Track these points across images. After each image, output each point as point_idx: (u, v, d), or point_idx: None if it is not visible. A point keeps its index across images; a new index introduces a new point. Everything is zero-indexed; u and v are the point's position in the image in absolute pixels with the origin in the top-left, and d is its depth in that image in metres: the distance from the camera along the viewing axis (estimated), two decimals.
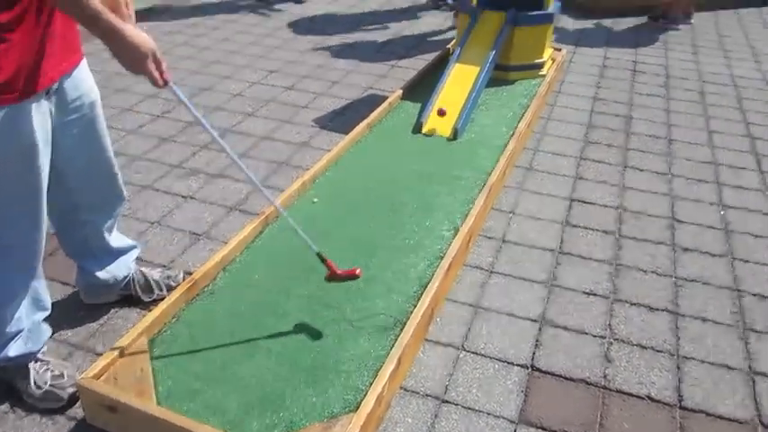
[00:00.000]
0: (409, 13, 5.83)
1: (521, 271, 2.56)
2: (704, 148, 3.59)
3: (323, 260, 2.03)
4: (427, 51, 4.87)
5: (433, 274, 2.17)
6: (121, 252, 2.20)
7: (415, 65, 4.54)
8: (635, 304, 2.41)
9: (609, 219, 2.92)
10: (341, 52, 4.83)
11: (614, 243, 2.76)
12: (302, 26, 5.38)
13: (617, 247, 2.74)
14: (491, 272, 2.55)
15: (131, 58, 1.53)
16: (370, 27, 5.44)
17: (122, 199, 2.12)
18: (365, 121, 3.15)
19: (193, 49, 4.83)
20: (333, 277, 2.08)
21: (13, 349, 1.86)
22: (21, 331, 1.86)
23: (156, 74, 1.59)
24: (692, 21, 5.79)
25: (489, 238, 2.75)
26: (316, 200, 2.58)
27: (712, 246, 2.76)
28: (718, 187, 3.21)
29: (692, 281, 2.55)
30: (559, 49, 4.20)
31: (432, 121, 3.18)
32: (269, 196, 1.88)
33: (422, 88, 3.60)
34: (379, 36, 5.22)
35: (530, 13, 3.67)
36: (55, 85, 1.66)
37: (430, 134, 3.13)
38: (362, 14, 5.78)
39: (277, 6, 5.89)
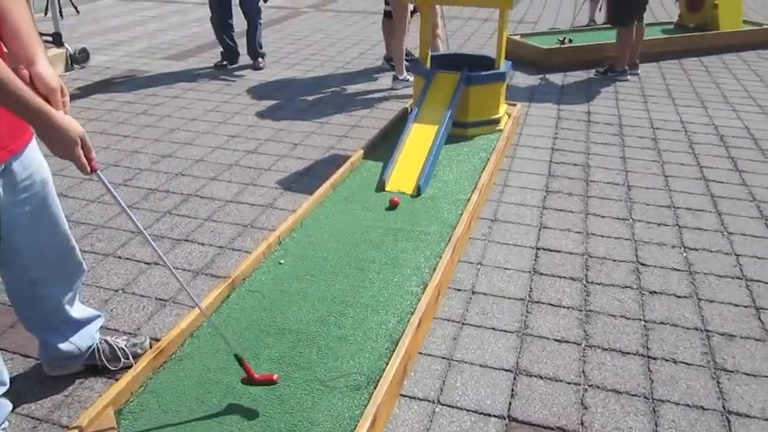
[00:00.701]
0: (365, 75, 5.95)
1: (492, 321, 2.56)
2: (662, 192, 3.69)
3: (240, 362, 1.85)
4: (386, 110, 4.97)
5: (403, 331, 2.15)
6: (84, 322, 2.15)
7: (376, 124, 4.61)
8: (607, 349, 2.42)
9: (575, 265, 2.95)
10: (301, 114, 4.88)
11: (582, 289, 2.78)
12: (261, 91, 5.45)
13: (585, 293, 2.76)
14: (462, 323, 2.54)
15: (59, 142, 1.49)
16: (328, 90, 5.54)
17: (81, 271, 2.08)
18: (329, 181, 3.16)
19: (153, 117, 4.84)
20: (249, 381, 1.89)
21: None
22: None
23: (84, 160, 1.53)
24: (639, 72, 6.04)
25: (459, 290, 2.75)
26: (282, 261, 2.56)
27: (678, 287, 2.80)
28: (679, 230, 3.29)
29: (661, 323, 2.57)
30: (514, 104, 4.32)
31: (394, 179, 3.21)
32: (194, 297, 1.82)
33: (383, 147, 3.65)
34: (338, 98, 5.31)
35: (482, 73, 3.77)
36: (1, 167, 1.65)
37: (393, 192, 3.15)
38: (320, 78, 5.88)
39: (235, 73, 5.96)
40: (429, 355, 2.36)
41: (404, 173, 3.25)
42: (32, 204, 1.79)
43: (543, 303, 2.68)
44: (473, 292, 2.74)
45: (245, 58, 6.25)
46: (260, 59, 6.18)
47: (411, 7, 5.32)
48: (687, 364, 2.35)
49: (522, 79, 5.89)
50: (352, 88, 5.59)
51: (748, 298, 2.73)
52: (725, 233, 3.26)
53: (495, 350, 2.39)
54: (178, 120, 4.78)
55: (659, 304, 2.69)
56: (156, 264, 2.91)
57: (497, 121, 3.97)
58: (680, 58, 6.66)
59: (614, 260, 3.01)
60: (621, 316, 2.61)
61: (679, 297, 2.74)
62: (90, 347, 2.16)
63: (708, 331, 2.53)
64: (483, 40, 7.47)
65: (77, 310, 2.12)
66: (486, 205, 3.47)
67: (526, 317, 2.59)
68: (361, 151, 3.54)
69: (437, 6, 5.05)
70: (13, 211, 1.73)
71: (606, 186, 3.75)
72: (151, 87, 5.57)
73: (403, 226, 2.84)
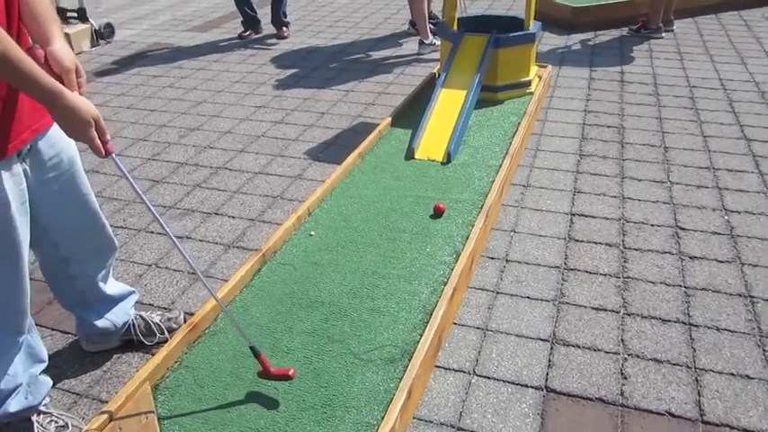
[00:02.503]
0: (391, 41, 5.84)
1: (527, 290, 2.51)
2: (701, 154, 3.56)
3: (256, 355, 1.79)
4: (414, 76, 4.87)
5: (437, 302, 2.11)
6: (119, 299, 2.16)
7: (403, 90, 4.53)
8: (646, 317, 2.36)
9: (612, 231, 2.88)
10: (327, 83, 4.82)
11: (619, 256, 2.71)
12: (286, 61, 5.38)
13: (622, 259, 2.69)
14: (497, 293, 2.50)
15: (71, 122, 1.46)
16: (353, 56, 5.45)
17: (113, 248, 2.07)
18: (356, 151, 3.11)
19: (180, 90, 4.82)
20: (265, 375, 1.82)
21: (14, 404, 1.82)
22: (19, 386, 1.82)
23: (98, 142, 1.49)
24: (674, 28, 5.83)
25: (492, 258, 2.70)
26: (313, 233, 2.53)
27: (719, 252, 2.72)
28: (719, 192, 3.18)
29: (703, 289, 2.49)
30: (545, 66, 4.19)
31: (424, 147, 3.15)
32: (210, 288, 1.79)
33: (411, 114, 3.58)
34: (363, 65, 5.23)
35: (511, 35, 3.66)
36: (27, 147, 1.64)
37: (422, 159, 3.09)
38: (345, 45, 5.79)
39: (260, 43, 5.90)
40: (464, 325, 2.32)
41: (433, 140, 3.18)
42: (60, 183, 1.78)
43: (579, 270, 2.62)
44: (507, 261, 2.69)
45: (269, 28, 6.17)
46: (284, 28, 6.10)
47: None
48: (731, 331, 2.28)
49: (552, 40, 5.72)
50: (377, 55, 5.49)
51: None
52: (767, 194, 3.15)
53: (530, 319, 2.35)
54: (204, 92, 4.75)
55: (700, 270, 2.61)
56: (188, 238, 2.91)
57: (528, 84, 3.86)
58: (717, 12, 6.41)
59: (652, 225, 2.92)
60: (661, 282, 2.54)
61: (721, 262, 2.66)
62: (125, 323, 2.18)
63: (752, 297, 2.45)
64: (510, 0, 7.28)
65: (111, 287, 2.13)
66: (519, 170, 3.40)
67: (562, 284, 2.54)
68: (389, 119, 3.48)
69: None
70: (41, 190, 1.72)
71: (642, 148, 3.64)
72: (177, 60, 5.54)
73: (434, 194, 2.79)
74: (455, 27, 4.01)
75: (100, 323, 2.11)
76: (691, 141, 3.71)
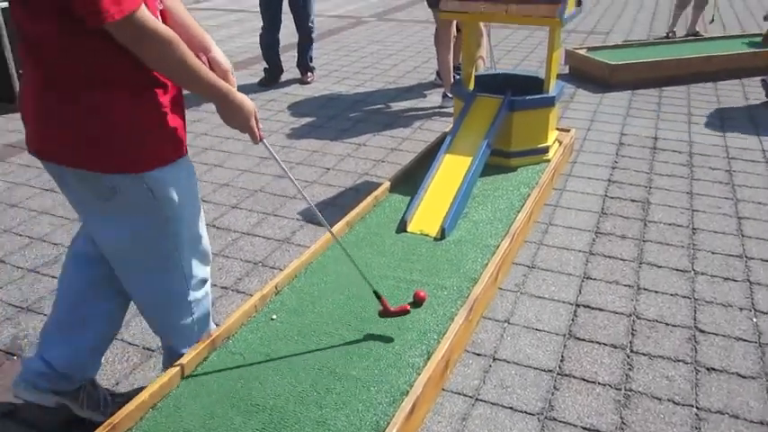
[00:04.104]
0: (415, 91, 5.63)
1: (511, 398, 2.19)
2: (733, 239, 3.20)
3: (378, 297, 2.19)
4: (430, 131, 4.64)
5: (393, 415, 1.82)
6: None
7: (416, 147, 4.29)
8: None
9: (619, 329, 2.54)
10: (340, 135, 4.61)
11: (624, 361, 2.37)
12: (303, 108, 5.21)
13: (627, 365, 2.35)
14: (476, 399, 2.19)
15: (239, 116, 1.71)
16: (374, 106, 5.25)
17: None
18: (344, 219, 2.86)
19: (189, 135, 4.67)
20: (385, 314, 2.22)
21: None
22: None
23: (257, 130, 1.78)
24: None
25: (478, 354, 2.40)
26: (275, 317, 2.28)
27: (742, 365, 2.36)
28: (750, 287, 2.81)
29: (718, 412, 2.14)
30: (568, 130, 3.90)
31: (417, 220, 2.88)
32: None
33: (415, 177, 3.33)
34: (382, 116, 5.02)
35: (527, 98, 3.39)
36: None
37: (415, 233, 2.82)
38: (367, 93, 5.60)
39: (282, 88, 5.76)
40: None
41: (429, 212, 2.91)
42: None
43: (575, 378, 2.29)
44: (494, 359, 2.38)
45: (294, 72, 6.05)
46: (309, 74, 5.96)
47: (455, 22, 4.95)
48: None
49: (586, 98, 5.43)
50: (399, 105, 5.28)
51: None
52: None
53: None
54: (212, 138, 4.60)
55: (717, 386, 2.25)
56: None
57: (545, 151, 3.57)
58: (763, 74, 6.01)
59: (667, 324, 2.58)
60: (669, 400, 2.20)
61: (743, 377, 2.30)
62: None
63: None
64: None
65: None
66: (525, 248, 3.09)
67: (553, 394, 2.22)
68: (388, 183, 3.22)
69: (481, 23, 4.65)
70: None
71: (667, 229, 3.30)
72: (194, 100, 5.43)
73: (419, 277, 2.51)
74: (471, 85, 3.76)
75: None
76: (723, 223, 3.35)
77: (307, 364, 2.05)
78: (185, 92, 1.72)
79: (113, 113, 1.58)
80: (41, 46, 1.52)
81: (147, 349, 2.44)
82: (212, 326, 2.21)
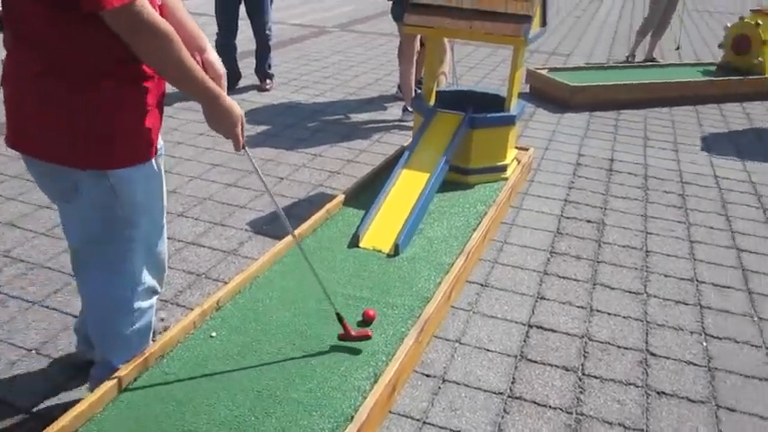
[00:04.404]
0: (376, 104, 5.57)
1: (460, 422, 2.11)
2: (685, 262, 3.20)
3: (340, 320, 2.09)
4: (389, 144, 4.57)
5: None
6: None
7: (374, 160, 4.21)
8: None
9: (571, 351, 2.50)
10: (296, 144, 4.51)
11: (576, 384, 2.32)
12: (261, 116, 5.10)
13: (579, 389, 2.30)
14: (423, 423, 2.11)
15: (225, 120, 1.69)
16: (333, 117, 5.16)
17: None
18: (296, 231, 2.76)
19: None
20: (345, 338, 2.11)
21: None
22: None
23: (241, 138, 1.75)
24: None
25: (427, 375, 2.32)
26: (214, 334, 2.16)
27: (692, 389, 2.33)
28: (701, 311, 2.80)
29: None
30: (526, 149, 3.88)
31: (371, 235, 2.80)
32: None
33: (370, 190, 3.25)
34: (340, 127, 4.93)
35: (488, 115, 3.35)
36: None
37: (367, 249, 2.74)
38: (327, 104, 5.52)
39: (239, 95, 5.64)
40: None
41: (383, 227, 2.84)
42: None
43: (526, 401, 2.23)
44: (444, 380, 2.30)
45: (252, 78, 5.93)
46: (268, 81, 5.85)
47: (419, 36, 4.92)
48: None
49: (545, 117, 5.44)
50: (358, 117, 5.21)
51: None
52: (755, 319, 2.77)
53: None
54: (165, 143, 4.43)
55: (668, 411, 2.22)
56: None
57: (503, 169, 3.54)
58: (720, 102, 6.13)
59: (619, 346, 2.55)
60: (619, 424, 2.15)
61: (692, 402, 2.27)
62: None
63: None
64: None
65: None
66: (479, 265, 3.04)
67: (503, 418, 2.15)
68: (342, 197, 3.13)
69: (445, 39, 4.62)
70: None
71: (621, 250, 3.28)
72: None
73: (369, 295, 2.43)
74: (431, 100, 3.70)
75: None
76: (675, 246, 3.35)
77: (245, 387, 1.94)
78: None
79: (91, 107, 1.55)
80: (28, 27, 1.48)
81: (74, 367, 2.29)
82: (151, 343, 2.09)
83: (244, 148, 1.80)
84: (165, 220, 1.94)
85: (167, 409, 1.84)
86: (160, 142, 1.81)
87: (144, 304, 1.91)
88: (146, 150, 1.69)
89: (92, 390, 1.96)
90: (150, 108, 1.65)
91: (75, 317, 2.54)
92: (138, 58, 1.51)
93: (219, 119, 1.68)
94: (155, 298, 1.97)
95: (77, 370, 2.23)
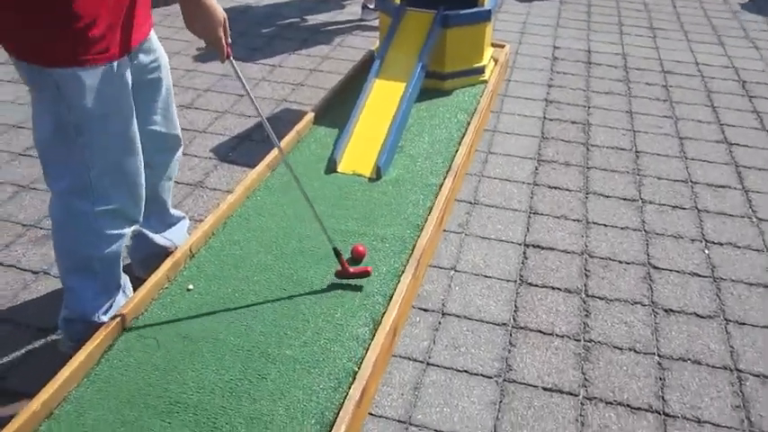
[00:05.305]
0: (332, 2, 5.14)
1: (465, 360, 1.99)
2: (676, 162, 3.06)
3: (337, 255, 1.91)
4: (353, 48, 4.23)
5: (340, 403, 1.58)
6: (176, 219, 2.23)
7: (338, 68, 3.90)
8: (611, 403, 1.87)
9: (572, 270, 2.37)
10: (252, 55, 4.14)
11: (580, 307, 2.21)
12: None
13: (584, 312, 2.19)
14: (427, 364, 1.98)
15: (207, 20, 1.56)
16: (288, 20, 4.75)
17: (179, 143, 2.06)
18: (265, 160, 2.50)
19: None
20: (343, 276, 1.94)
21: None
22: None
23: (224, 43, 1.62)
24: None
25: (425, 310, 2.17)
26: (191, 286, 1.95)
27: (699, 303, 2.24)
28: (698, 216, 2.69)
29: (680, 359, 2.02)
30: (502, 46, 3.59)
31: (348, 158, 2.56)
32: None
33: (341, 104, 2.96)
34: (298, 32, 4.54)
35: (462, 12, 3.04)
36: (136, 49, 1.69)
37: (347, 173, 2.51)
38: (281, 5, 5.07)
39: None
40: (381, 417, 1.80)
41: (361, 147, 2.59)
42: (153, 85, 1.83)
43: (531, 330, 2.11)
44: (443, 314, 2.16)
45: None
46: None
47: None
48: (715, 425, 1.81)
49: (513, 7, 5.11)
50: (315, 19, 4.80)
51: None
52: (753, 220, 2.67)
53: (467, 408, 1.83)
54: None
55: (677, 329, 2.13)
56: (45, 273, 2.29)
57: (481, 71, 3.27)
58: None
59: (620, 261, 2.43)
60: (630, 349, 2.05)
61: (701, 317, 2.18)
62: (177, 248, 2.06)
63: (739, 371, 1.98)
64: None
65: (169, 205, 2.17)
66: (466, 180, 2.85)
67: (509, 351, 2.03)
68: (311, 115, 2.85)
69: None
70: (137, 92, 1.74)
71: (610, 153, 3.12)
72: None
73: (355, 227, 2.22)
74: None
75: (161, 241, 2.14)
76: (665, 144, 3.20)
77: (234, 346, 1.75)
78: None
79: None
80: None
81: (42, 330, 2.07)
82: (120, 298, 1.89)
83: (229, 57, 1.66)
84: (137, 139, 1.76)
85: (150, 380, 1.65)
86: (155, 53, 1.78)
87: (110, 230, 1.78)
88: (92, 51, 1.53)
89: (64, 342, 1.91)
90: (92, 2, 1.49)
91: (35, 272, 2.29)
92: None
93: (201, 18, 1.56)
94: (128, 228, 1.84)
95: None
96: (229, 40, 1.64)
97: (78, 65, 1.53)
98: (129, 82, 1.68)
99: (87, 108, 1.59)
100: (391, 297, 1.91)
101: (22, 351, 2.00)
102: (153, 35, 1.81)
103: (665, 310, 2.20)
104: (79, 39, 1.51)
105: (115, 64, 1.60)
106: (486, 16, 3.16)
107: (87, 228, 1.75)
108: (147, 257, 2.15)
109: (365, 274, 1.93)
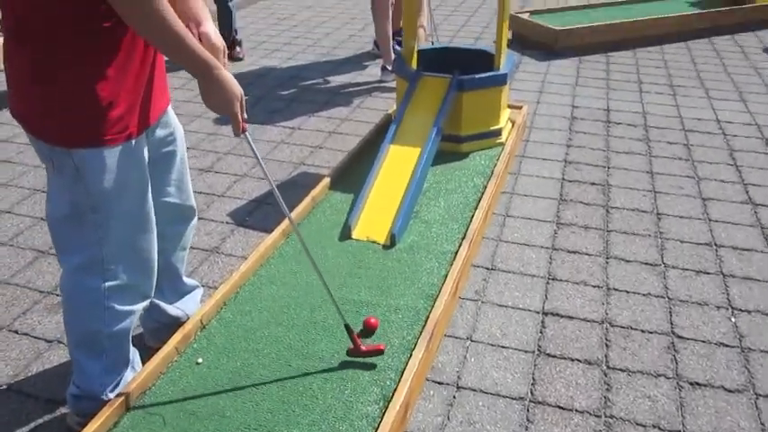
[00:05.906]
0: (352, 63, 5.23)
1: None
2: (700, 224, 2.99)
3: (349, 332, 1.86)
4: (372, 110, 4.27)
5: None
6: (189, 289, 2.21)
7: (357, 130, 3.93)
8: None
9: (592, 340, 2.29)
10: (271, 117, 4.20)
11: (601, 380, 2.13)
12: None
13: (605, 386, 2.10)
14: None
15: (222, 96, 1.55)
16: (308, 82, 4.83)
17: (193, 214, 2.07)
18: (280, 227, 2.50)
19: None
20: (355, 354, 1.88)
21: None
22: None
23: (240, 118, 1.60)
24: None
25: (439, 383, 2.11)
26: (200, 360, 1.92)
27: (726, 376, 2.14)
28: (724, 281, 2.61)
29: None
30: (519, 107, 3.60)
31: (363, 224, 2.54)
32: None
33: (357, 171, 2.97)
34: (318, 94, 4.61)
35: (477, 76, 3.06)
36: (154, 125, 1.72)
37: (361, 240, 2.49)
38: (300, 68, 5.16)
39: None
40: None
41: (375, 214, 2.58)
42: (168, 159, 1.84)
43: (549, 405, 2.03)
44: (458, 387, 2.09)
45: None
46: (237, 48, 5.44)
47: None
48: None
49: (531, 66, 5.14)
50: (335, 80, 4.88)
51: None
52: None
53: None
54: None
55: (704, 405, 2.03)
56: (58, 342, 2.28)
57: (498, 133, 3.27)
58: (710, 36, 5.86)
59: (642, 330, 2.35)
60: (654, 426, 1.96)
61: (729, 392, 2.08)
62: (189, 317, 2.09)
63: None
64: (489, 16, 6.69)
65: (182, 274, 2.16)
66: (483, 245, 2.81)
67: (526, 429, 1.95)
68: (327, 180, 2.86)
69: None
70: (154, 165, 1.76)
71: (631, 215, 3.06)
72: None
73: (368, 297, 2.19)
74: (414, 61, 3.40)
75: (173, 311, 2.12)
76: (687, 206, 3.14)
77: (240, 424, 1.71)
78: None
79: (47, 75, 1.46)
80: None
81: (52, 401, 2.05)
82: (128, 374, 1.87)
83: (244, 132, 1.63)
84: (152, 215, 1.77)
85: None
86: (170, 126, 1.81)
87: (121, 306, 1.77)
88: (111, 131, 1.55)
89: (72, 417, 1.90)
90: (113, 82, 1.51)
91: (49, 341, 2.29)
92: (123, 21, 1.42)
93: (216, 94, 1.54)
94: (139, 304, 1.84)
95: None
96: (245, 115, 1.63)
97: (98, 145, 1.55)
98: (147, 158, 1.70)
99: (105, 187, 1.60)
100: (403, 372, 1.86)
101: (31, 425, 1.97)
102: (169, 109, 1.83)
103: (691, 384, 2.11)
104: (100, 119, 1.53)
105: (133, 141, 1.63)
106: (501, 80, 3.18)
107: (97, 304, 1.74)
108: (159, 328, 2.13)
109: (378, 352, 1.89)
